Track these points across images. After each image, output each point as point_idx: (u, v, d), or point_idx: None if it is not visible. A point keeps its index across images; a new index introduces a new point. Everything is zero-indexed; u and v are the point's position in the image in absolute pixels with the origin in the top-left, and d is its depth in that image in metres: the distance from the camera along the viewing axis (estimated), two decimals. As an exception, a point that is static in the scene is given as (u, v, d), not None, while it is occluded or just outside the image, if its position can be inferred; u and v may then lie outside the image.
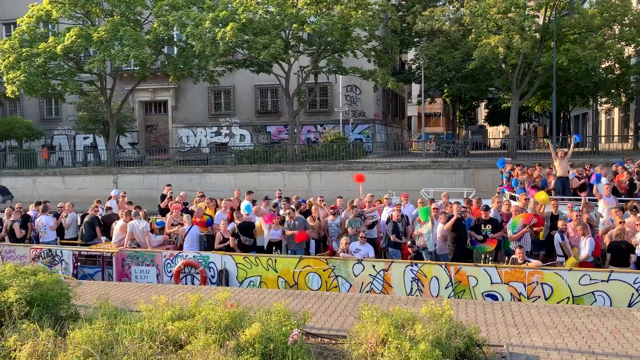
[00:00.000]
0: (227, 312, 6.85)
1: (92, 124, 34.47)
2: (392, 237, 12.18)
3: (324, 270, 11.42)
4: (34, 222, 13.99)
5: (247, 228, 12.16)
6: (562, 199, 15.12)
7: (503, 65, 24.93)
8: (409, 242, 11.76)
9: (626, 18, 24.54)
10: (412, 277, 10.93)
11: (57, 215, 14.41)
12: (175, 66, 26.82)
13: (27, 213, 14.26)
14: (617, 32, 27.60)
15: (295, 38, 26.10)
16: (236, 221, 12.29)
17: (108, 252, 12.46)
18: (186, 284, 12.09)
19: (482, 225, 11.74)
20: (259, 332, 6.40)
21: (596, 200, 14.03)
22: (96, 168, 30.25)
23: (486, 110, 67.61)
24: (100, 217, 14.14)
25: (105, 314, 7.45)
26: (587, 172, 17.16)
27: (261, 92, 36.46)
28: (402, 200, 14.47)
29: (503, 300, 10.40)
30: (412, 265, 10.97)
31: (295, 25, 23.85)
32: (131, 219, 12.89)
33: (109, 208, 14.52)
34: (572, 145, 16.86)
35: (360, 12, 23.13)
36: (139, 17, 27.92)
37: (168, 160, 32.94)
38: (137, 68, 28.40)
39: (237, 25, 22.92)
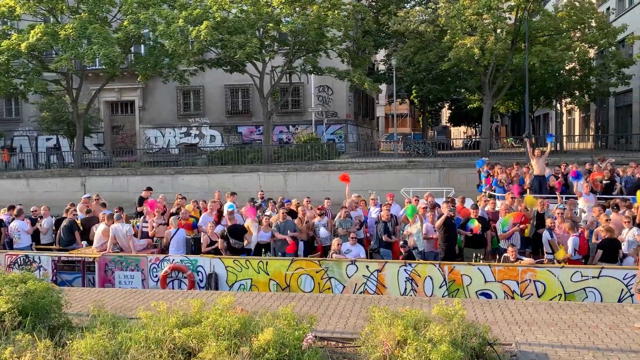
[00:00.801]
0: (237, 318, 6.64)
1: (55, 124, 33.31)
2: (384, 237, 12.13)
3: (317, 272, 11.28)
4: (8, 227, 13.37)
5: (237, 231, 11.90)
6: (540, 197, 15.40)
7: (476, 67, 25.31)
8: (402, 242, 11.72)
9: (592, 21, 25.26)
10: (406, 277, 10.91)
11: (31, 220, 13.81)
12: (145, 65, 26.15)
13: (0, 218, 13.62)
14: (578, 34, 28.38)
15: (269, 37, 25.84)
16: (227, 223, 12.01)
17: (90, 257, 12.01)
18: (173, 288, 11.76)
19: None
20: (273, 338, 6.22)
21: (576, 198, 14.33)
22: (63, 170, 29.27)
23: (449, 111, 68.71)
24: (78, 220, 13.62)
25: (105, 322, 7.12)
26: (563, 171, 17.53)
27: (232, 92, 35.99)
28: (388, 200, 14.48)
29: (497, 298, 10.47)
30: (406, 265, 10.95)
31: (270, 24, 23.60)
32: (113, 222, 12.45)
33: (89, 211, 13.98)
34: (549, 145, 17.18)
35: (336, 12, 23.06)
36: (107, 15, 27.14)
37: (136, 162, 32.16)
38: (104, 67, 27.61)
39: (211, 24, 22.50)
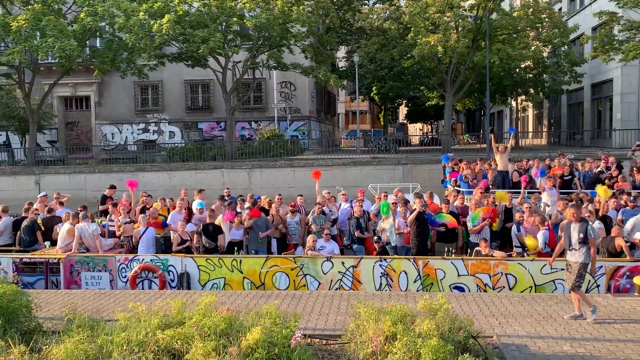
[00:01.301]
0: (222, 317, 6.50)
1: (5, 120, 31.90)
2: (357, 233, 12.15)
3: (292, 270, 11.20)
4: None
5: (211, 230, 11.65)
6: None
7: (438, 64, 25.68)
8: (375, 238, 11.77)
9: (548, 20, 26.01)
10: (382, 273, 10.97)
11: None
12: (103, 60, 25.30)
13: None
14: (532, 34, 29.19)
15: (232, 32, 25.45)
16: (207, 220, 11.76)
17: (55, 258, 11.54)
18: (143, 289, 11.45)
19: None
20: (261, 337, 6.12)
21: (539, 193, 14.73)
22: (15, 168, 28.05)
23: (406, 109, 69.57)
24: (39, 220, 13.06)
25: (82, 325, 6.85)
26: (524, 166, 17.99)
27: (191, 87, 35.33)
28: (359, 196, 14.51)
29: (470, 291, 10.66)
30: (381, 261, 11.00)
31: (235, 19, 23.23)
32: (78, 222, 12.01)
33: (51, 210, 13.44)
34: (511, 140, 17.56)
35: (301, 7, 22.93)
36: (61, 7, 26.14)
37: (92, 159, 31.19)
38: (58, 61, 26.59)
39: (173, 17, 21.97)
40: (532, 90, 36.82)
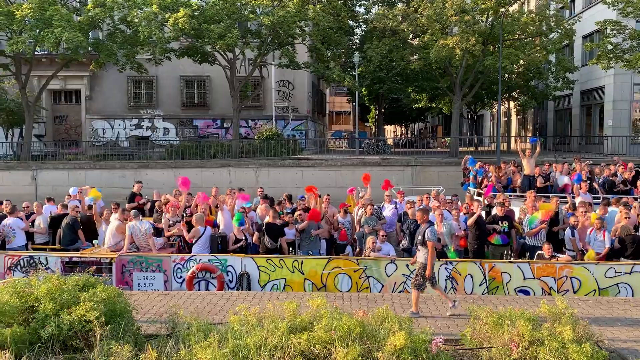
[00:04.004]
0: (357, 321, 6.33)
1: (-7, 113, 30.61)
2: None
3: (355, 271, 11.05)
4: (-1, 225, 12.11)
5: (274, 230, 11.39)
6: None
7: (449, 67, 25.88)
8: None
9: (555, 26, 26.51)
10: (447, 275, 10.93)
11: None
12: (109, 52, 24.51)
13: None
14: (537, 39, 29.69)
15: (245, 29, 25.05)
16: (268, 220, 11.47)
17: (107, 258, 11.08)
18: (199, 290, 11.11)
19: (500, 222, 12.04)
20: (405, 342, 5.98)
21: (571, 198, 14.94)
22: (10, 162, 26.95)
23: (383, 110, 69.90)
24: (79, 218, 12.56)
25: (202, 329, 6.58)
26: (547, 170, 18.26)
27: (187, 83, 34.66)
28: (399, 198, 14.48)
29: (534, 294, 10.72)
30: (447, 264, 10.96)
31: (251, 15, 22.87)
32: (127, 219, 11.59)
33: (90, 207, 12.92)
34: (538, 147, 17.80)
35: (318, 6, 22.74)
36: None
37: (81, 154, 30.27)
38: (59, 52, 25.75)
39: (189, 12, 21.46)
40: (519, 96, 37.52)
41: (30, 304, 6.79)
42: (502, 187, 16.98)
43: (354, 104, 40.50)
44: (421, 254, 8.86)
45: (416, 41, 25.90)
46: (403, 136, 74.82)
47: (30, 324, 6.50)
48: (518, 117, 51.84)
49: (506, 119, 54.86)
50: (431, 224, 8.95)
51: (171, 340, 6.59)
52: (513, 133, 53.06)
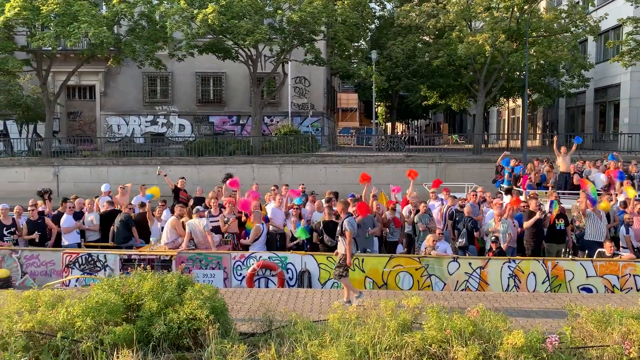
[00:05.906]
0: (469, 320, 6.30)
1: (10, 108, 30.38)
2: (477, 234, 12.09)
3: (417, 270, 11.02)
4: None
5: (332, 228, 11.32)
6: (564, 194, 15.98)
7: (474, 64, 25.86)
8: (493, 238, 11.70)
9: (579, 22, 26.47)
10: (510, 274, 10.91)
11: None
12: (133, 49, 24.33)
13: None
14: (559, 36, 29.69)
15: (271, 26, 24.94)
16: (324, 218, 11.42)
17: (167, 255, 11.01)
18: (259, 287, 11.05)
19: (556, 220, 12.05)
20: (524, 342, 5.95)
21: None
22: (32, 159, 26.76)
23: (385, 107, 69.98)
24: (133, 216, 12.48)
25: (309, 327, 6.53)
26: (581, 168, 18.26)
27: (202, 79, 34.51)
28: (444, 195, 14.44)
29: (597, 292, 10.73)
30: (509, 262, 10.95)
31: (279, 11, 22.76)
32: (183, 215, 11.52)
33: (143, 205, 12.83)
34: (574, 145, 17.82)
35: (346, 2, 22.66)
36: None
37: (96, 151, 30.11)
38: (82, 49, 25.58)
39: (218, 8, 21.34)
40: (532, 93, 37.53)
41: (130, 302, 6.73)
42: (536, 185, 17.03)
43: (362, 100, 40.43)
44: (341, 244, 9.00)
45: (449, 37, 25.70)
46: (405, 133, 74.96)
47: (136, 322, 6.42)
48: (528, 114, 51.93)
49: (514, 116, 55.08)
50: (350, 215, 9.11)
51: (273, 339, 6.53)
52: (520, 131, 53.27)
